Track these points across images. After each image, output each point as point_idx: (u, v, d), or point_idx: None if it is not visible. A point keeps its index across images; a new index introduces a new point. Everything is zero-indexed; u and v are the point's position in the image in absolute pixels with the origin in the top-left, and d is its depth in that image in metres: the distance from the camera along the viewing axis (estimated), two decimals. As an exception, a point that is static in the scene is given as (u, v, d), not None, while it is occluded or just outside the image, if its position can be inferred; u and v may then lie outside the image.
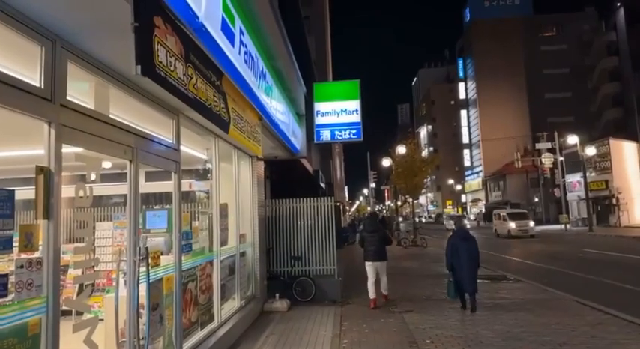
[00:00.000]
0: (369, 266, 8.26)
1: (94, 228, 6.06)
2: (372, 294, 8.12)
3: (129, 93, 3.70)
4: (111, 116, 3.55)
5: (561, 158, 37.06)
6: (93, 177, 3.57)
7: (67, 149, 2.95)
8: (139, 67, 2.74)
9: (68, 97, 2.97)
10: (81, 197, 3.00)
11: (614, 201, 33.86)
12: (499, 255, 17.69)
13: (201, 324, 5.21)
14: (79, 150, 3.26)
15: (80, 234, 3.18)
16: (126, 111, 4.04)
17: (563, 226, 34.12)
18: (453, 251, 7.57)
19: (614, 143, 36.37)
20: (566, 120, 55.33)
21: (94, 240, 5.95)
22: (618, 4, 41.80)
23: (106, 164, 4.63)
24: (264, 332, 6.49)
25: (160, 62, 3.12)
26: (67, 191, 3.10)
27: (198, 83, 4.03)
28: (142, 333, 3.67)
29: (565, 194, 37.50)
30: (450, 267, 7.62)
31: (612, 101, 50.92)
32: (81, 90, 3.49)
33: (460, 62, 76.00)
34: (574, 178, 37.48)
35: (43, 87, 2.73)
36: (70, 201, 3.12)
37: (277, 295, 8.16)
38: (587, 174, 33.70)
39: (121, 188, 3.98)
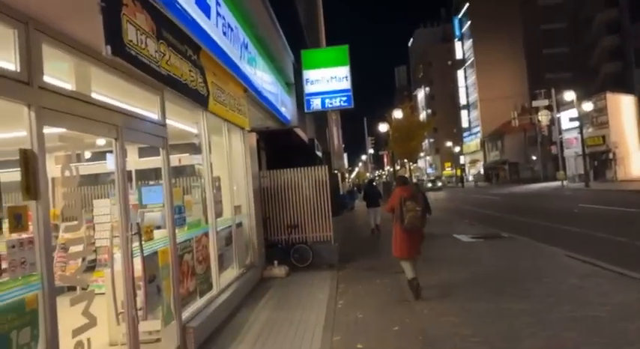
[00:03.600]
0: (369, 210, 13.67)
1: (90, 206, 6.20)
2: (372, 225, 13.51)
3: (110, 71, 3.70)
4: (93, 95, 3.57)
5: (558, 115, 36.87)
6: (87, 155, 3.64)
7: (50, 130, 3.00)
8: (109, 47, 2.75)
9: (47, 79, 3.00)
10: (67, 176, 3.08)
11: (610, 155, 33.95)
12: (494, 214, 17.95)
13: (200, 293, 5.40)
14: (62, 130, 3.31)
15: (70, 212, 3.28)
16: (110, 89, 4.06)
17: (560, 183, 34.42)
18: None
19: (611, 97, 36.07)
20: (564, 76, 54.63)
21: (93, 217, 6.10)
22: (617, -47, 40.43)
23: (100, 142, 4.69)
24: (264, 298, 6.73)
25: (130, 41, 3.12)
26: (55, 171, 3.19)
27: (171, 59, 4.01)
28: (140, 304, 3.84)
29: (562, 151, 37.57)
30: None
31: (610, 54, 50.07)
32: (61, 70, 3.50)
33: (456, 21, 74.32)
34: (571, 134, 37.41)
35: (19, 70, 2.75)
36: (59, 180, 3.21)
37: (276, 262, 8.39)
38: (585, 129, 33.61)
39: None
